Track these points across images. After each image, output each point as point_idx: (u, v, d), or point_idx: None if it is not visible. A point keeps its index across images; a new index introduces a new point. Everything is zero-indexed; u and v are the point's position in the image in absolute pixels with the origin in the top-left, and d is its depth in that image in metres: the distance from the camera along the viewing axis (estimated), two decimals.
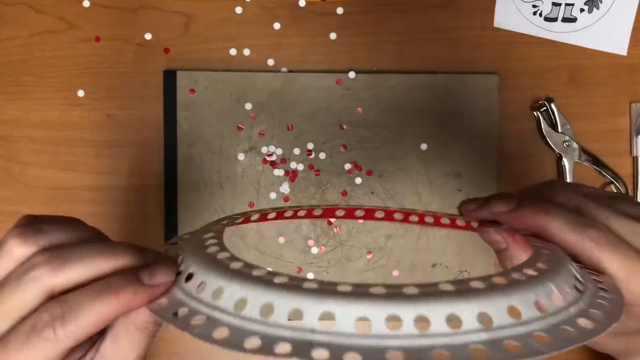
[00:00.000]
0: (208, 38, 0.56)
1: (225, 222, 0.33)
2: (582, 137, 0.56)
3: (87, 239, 0.29)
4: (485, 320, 0.21)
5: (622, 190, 0.55)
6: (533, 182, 0.33)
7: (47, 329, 0.25)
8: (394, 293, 0.21)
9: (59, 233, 0.28)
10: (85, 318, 0.25)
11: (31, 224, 0.28)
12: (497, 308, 0.22)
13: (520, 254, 0.32)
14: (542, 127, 0.55)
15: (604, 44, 0.56)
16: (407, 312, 0.21)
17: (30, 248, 0.27)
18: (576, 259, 0.30)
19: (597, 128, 0.56)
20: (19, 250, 0.27)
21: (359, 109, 0.56)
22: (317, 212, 0.37)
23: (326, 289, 0.22)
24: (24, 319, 0.26)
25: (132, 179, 0.56)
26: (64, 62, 0.56)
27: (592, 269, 0.29)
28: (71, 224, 0.29)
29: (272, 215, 0.36)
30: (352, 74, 0.56)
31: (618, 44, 0.56)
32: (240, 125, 0.56)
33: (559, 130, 0.55)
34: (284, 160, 0.56)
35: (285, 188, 0.56)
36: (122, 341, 0.28)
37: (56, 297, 0.26)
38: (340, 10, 0.56)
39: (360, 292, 0.22)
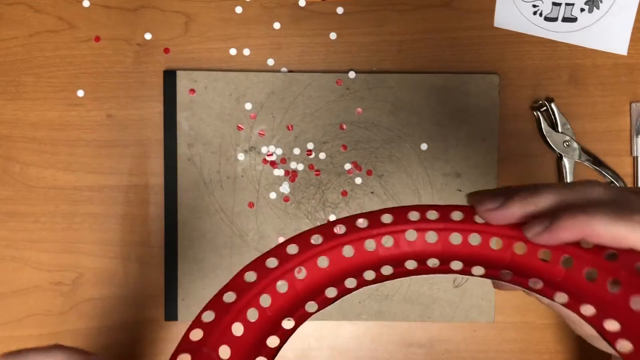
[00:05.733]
0: (208, 38, 0.56)
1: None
2: (582, 137, 0.56)
3: None
4: None
5: None
6: (533, 182, 0.32)
7: None
8: None
9: None
10: None
11: None
12: None
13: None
14: (542, 127, 0.55)
15: (604, 43, 0.56)
16: None
17: None
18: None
19: (597, 128, 0.56)
20: None
21: (359, 109, 0.56)
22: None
23: None
24: None
25: (132, 179, 0.56)
26: (64, 62, 0.56)
27: None
28: None
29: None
30: (352, 74, 0.55)
31: (618, 44, 0.56)
32: (240, 125, 0.56)
33: (559, 130, 0.55)
34: (284, 160, 0.56)
35: (285, 188, 0.56)
36: None
37: None
38: (340, 10, 0.56)
39: None
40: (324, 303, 0.29)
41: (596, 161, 0.55)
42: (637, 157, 0.56)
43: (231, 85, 0.55)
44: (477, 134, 0.55)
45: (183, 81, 0.55)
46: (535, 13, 0.56)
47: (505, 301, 0.56)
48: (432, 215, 0.31)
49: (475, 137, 0.55)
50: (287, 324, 0.28)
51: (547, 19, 0.56)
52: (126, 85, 0.56)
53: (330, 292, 0.29)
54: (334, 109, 0.56)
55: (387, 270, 0.30)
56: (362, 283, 0.30)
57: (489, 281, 0.55)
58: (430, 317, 0.56)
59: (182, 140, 0.55)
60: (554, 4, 0.56)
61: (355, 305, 0.56)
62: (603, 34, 0.56)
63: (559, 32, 0.56)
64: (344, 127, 0.56)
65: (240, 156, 0.56)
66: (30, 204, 0.56)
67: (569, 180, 0.55)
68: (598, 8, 0.56)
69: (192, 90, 0.55)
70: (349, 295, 0.56)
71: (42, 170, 0.56)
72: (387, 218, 0.31)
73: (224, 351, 0.27)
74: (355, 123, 0.56)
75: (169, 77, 0.55)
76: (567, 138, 0.55)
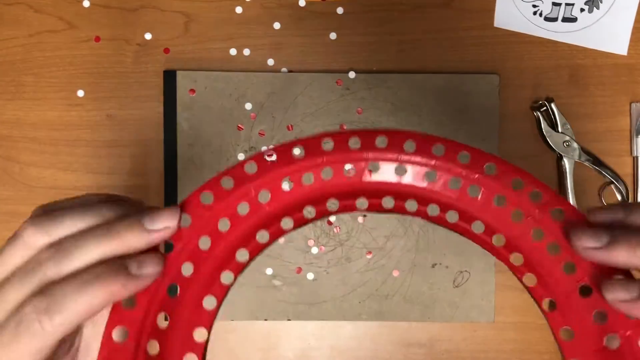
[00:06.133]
0: (208, 38, 0.56)
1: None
2: (582, 137, 0.56)
3: (97, 226, 0.28)
4: None
5: (622, 190, 0.55)
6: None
7: (34, 323, 0.25)
8: None
9: (72, 221, 0.28)
10: (71, 310, 0.25)
11: (45, 214, 0.28)
12: None
13: None
14: (542, 127, 0.55)
15: (604, 43, 0.56)
16: None
17: (43, 238, 0.27)
18: None
19: (597, 128, 0.56)
20: (33, 239, 0.27)
21: (359, 109, 0.56)
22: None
23: None
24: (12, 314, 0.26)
25: (132, 179, 0.56)
26: (64, 62, 0.56)
27: None
28: (86, 209, 0.28)
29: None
30: (352, 74, 0.56)
31: (618, 44, 0.56)
32: (240, 125, 0.56)
33: (559, 130, 0.55)
34: None
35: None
36: (100, 322, 0.28)
37: (42, 289, 0.26)
38: (340, 10, 0.56)
39: None
40: (300, 221, 0.32)
41: (596, 161, 0.55)
42: (637, 157, 0.56)
43: (231, 86, 0.55)
44: (477, 134, 0.55)
45: (183, 81, 0.55)
46: (535, 13, 0.56)
47: (505, 301, 0.56)
48: (410, 146, 0.31)
49: (475, 137, 0.55)
50: (262, 237, 0.31)
51: (547, 19, 0.56)
52: (126, 85, 0.56)
53: (309, 212, 0.32)
54: (334, 109, 0.56)
55: (333, 205, 0.32)
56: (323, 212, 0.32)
57: (489, 281, 0.55)
58: (430, 317, 0.56)
59: (182, 141, 0.55)
60: (554, 4, 0.56)
61: (355, 305, 0.56)
62: (603, 34, 0.56)
63: (559, 32, 0.56)
64: (344, 127, 0.56)
65: (241, 156, 0.56)
66: (30, 204, 0.56)
67: (569, 181, 0.55)
68: (598, 8, 0.56)
69: (192, 90, 0.55)
70: (349, 295, 0.56)
71: (42, 170, 0.56)
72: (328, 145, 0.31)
73: (204, 243, 0.30)
74: (355, 123, 0.56)
75: (169, 77, 0.55)
76: (567, 138, 0.55)
